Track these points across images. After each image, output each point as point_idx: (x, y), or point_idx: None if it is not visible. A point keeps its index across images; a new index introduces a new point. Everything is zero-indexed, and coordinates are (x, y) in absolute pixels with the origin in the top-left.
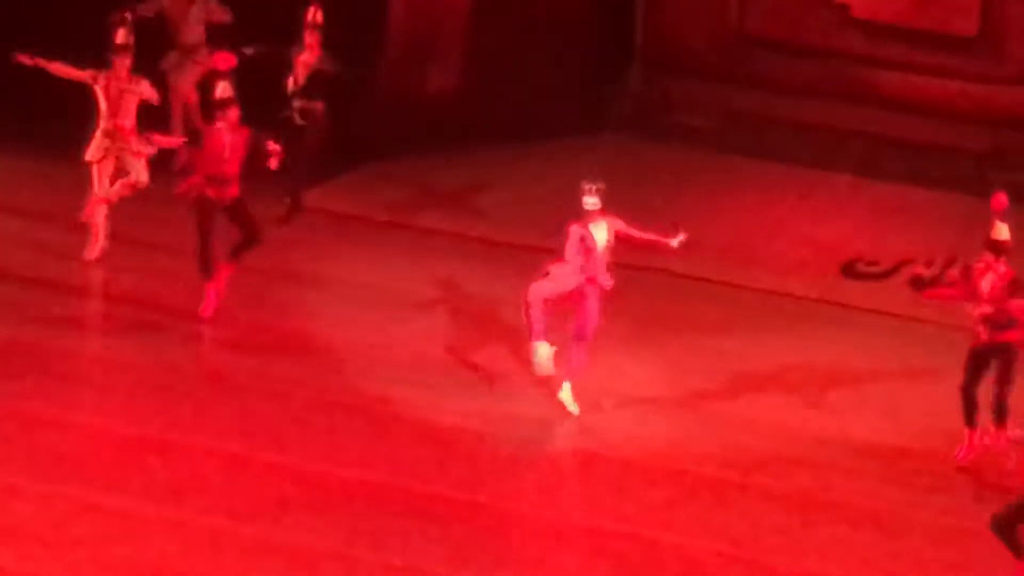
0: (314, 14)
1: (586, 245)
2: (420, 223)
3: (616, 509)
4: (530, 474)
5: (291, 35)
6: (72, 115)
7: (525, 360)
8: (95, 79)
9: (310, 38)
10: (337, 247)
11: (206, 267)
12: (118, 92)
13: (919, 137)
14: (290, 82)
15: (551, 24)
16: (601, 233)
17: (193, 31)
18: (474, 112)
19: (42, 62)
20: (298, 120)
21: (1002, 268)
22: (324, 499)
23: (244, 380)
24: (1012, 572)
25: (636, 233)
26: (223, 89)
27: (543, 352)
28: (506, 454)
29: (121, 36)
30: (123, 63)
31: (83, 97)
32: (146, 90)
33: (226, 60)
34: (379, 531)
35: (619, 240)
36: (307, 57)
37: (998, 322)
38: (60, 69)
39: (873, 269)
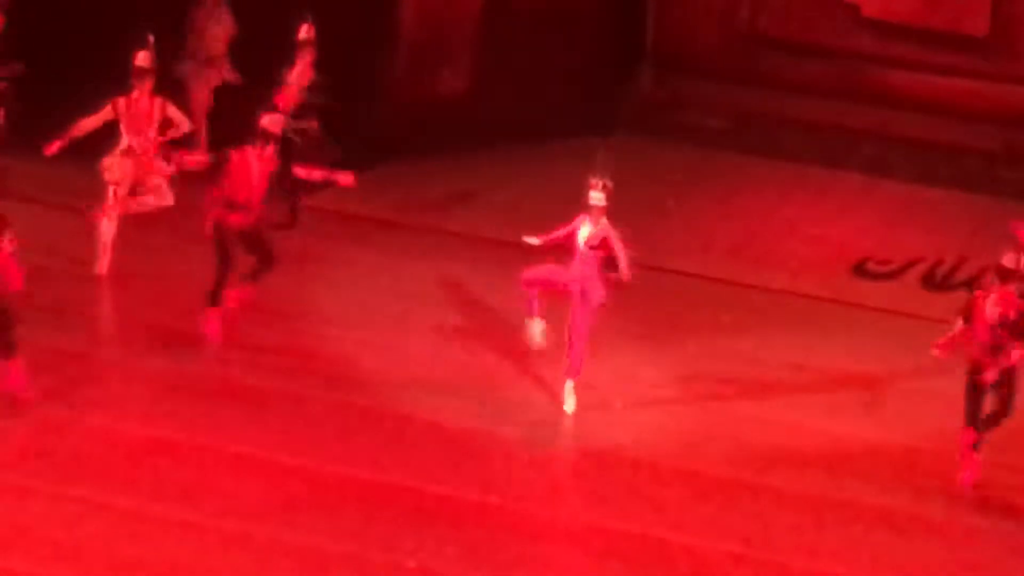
0: (307, 31)
1: (571, 239)
2: (431, 224)
3: (628, 509)
4: (542, 474)
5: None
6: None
7: (536, 360)
8: (115, 107)
9: (302, 57)
10: (348, 248)
11: (216, 297)
12: (140, 113)
13: (930, 136)
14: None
15: (561, 25)
16: (585, 232)
17: (215, 42)
18: (484, 113)
19: (68, 136)
20: (294, 138)
21: (1012, 296)
22: (336, 500)
23: (255, 381)
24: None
25: (614, 248)
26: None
27: (535, 328)
28: (518, 455)
29: (142, 59)
30: (144, 86)
31: (101, 99)
32: (173, 115)
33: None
34: (391, 532)
35: (605, 248)
36: (299, 78)
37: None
38: (85, 125)
39: (884, 268)
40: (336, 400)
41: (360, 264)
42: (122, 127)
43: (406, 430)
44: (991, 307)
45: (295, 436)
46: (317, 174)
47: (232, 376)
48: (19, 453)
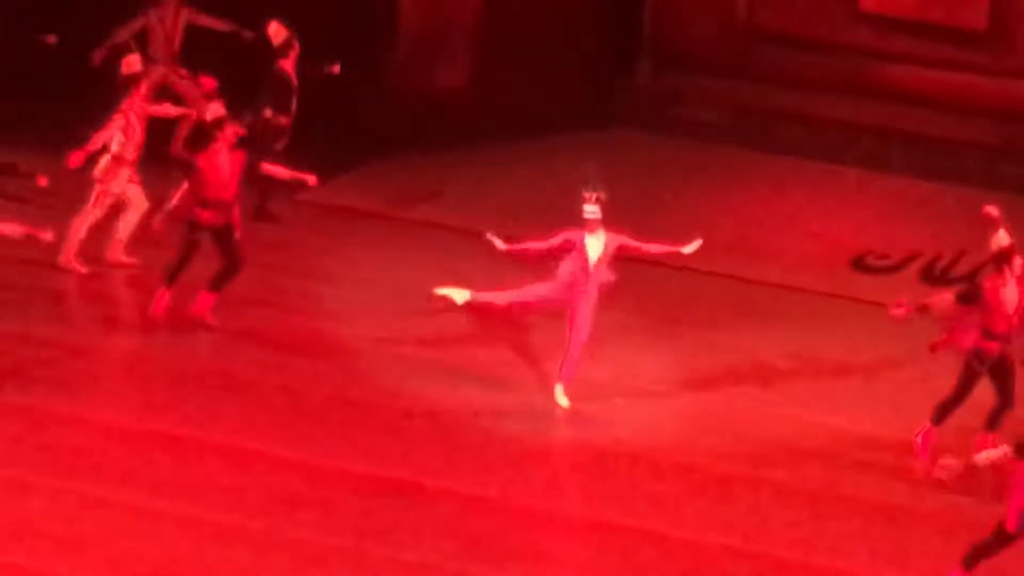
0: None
1: (579, 255)
2: (429, 218)
3: (626, 503)
4: (540, 468)
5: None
6: (75, 111)
7: (535, 355)
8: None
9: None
10: (346, 242)
11: (173, 278)
12: (137, 120)
13: (928, 131)
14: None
15: (560, 19)
16: (596, 246)
17: (173, 44)
18: (483, 107)
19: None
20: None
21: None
22: (333, 494)
23: (253, 375)
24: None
25: (645, 247)
26: (214, 111)
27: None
28: (516, 448)
29: (130, 65)
30: (139, 91)
31: (82, 91)
32: (170, 109)
33: (207, 83)
34: (389, 526)
35: (627, 254)
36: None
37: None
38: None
39: (883, 263)
40: (334, 394)
41: (358, 258)
42: (120, 134)
43: (404, 423)
44: (1011, 293)
45: (293, 430)
46: (283, 173)
47: (230, 370)
48: (18, 448)
